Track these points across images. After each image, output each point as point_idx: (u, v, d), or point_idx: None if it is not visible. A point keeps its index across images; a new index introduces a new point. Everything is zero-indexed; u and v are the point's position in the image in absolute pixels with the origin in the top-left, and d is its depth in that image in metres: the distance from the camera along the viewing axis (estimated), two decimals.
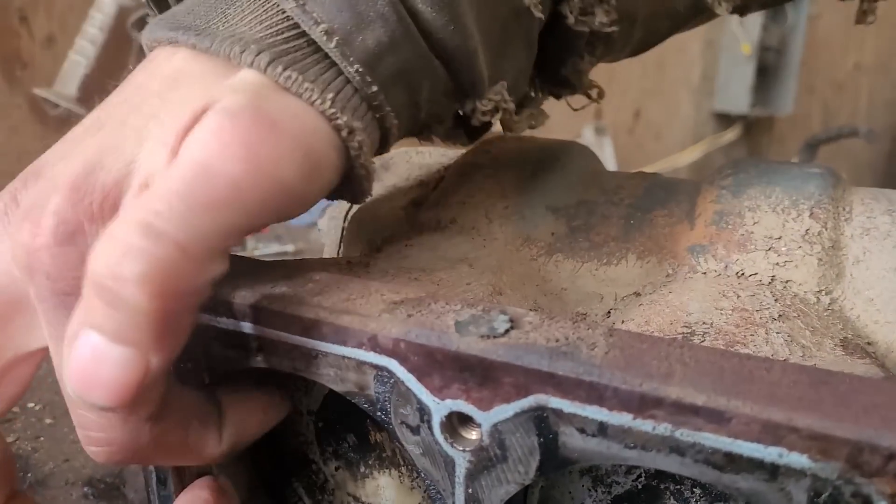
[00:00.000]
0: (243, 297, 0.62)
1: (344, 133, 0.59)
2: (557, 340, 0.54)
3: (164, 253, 0.41)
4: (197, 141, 0.49)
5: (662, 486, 0.62)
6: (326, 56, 0.58)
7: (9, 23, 2.94)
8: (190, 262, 0.42)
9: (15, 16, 2.97)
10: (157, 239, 0.41)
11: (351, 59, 0.58)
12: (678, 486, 0.62)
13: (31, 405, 1.25)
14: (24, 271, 0.46)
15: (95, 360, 0.41)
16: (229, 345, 0.63)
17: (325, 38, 0.58)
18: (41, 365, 0.62)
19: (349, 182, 0.62)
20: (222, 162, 0.48)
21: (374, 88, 0.60)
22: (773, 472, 0.46)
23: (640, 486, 0.63)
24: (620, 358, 0.52)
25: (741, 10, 0.82)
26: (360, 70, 0.59)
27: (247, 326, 0.62)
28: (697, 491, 0.61)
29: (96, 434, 0.48)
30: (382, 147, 0.67)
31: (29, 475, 1.07)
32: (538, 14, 0.67)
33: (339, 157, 0.59)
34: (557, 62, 0.80)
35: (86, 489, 1.03)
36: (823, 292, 0.72)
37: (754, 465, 0.47)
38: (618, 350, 0.53)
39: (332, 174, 0.59)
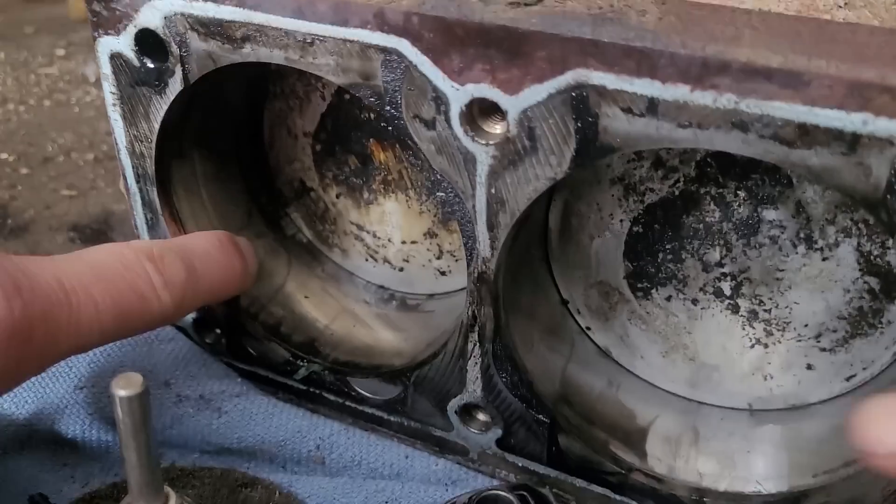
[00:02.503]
0: None
1: None
2: (601, 8, 0.46)
3: None
4: None
5: (702, 191, 0.57)
6: None
7: None
8: None
9: None
10: None
11: None
12: (720, 191, 0.56)
13: (4, 156, 1.17)
14: None
15: None
16: (210, 35, 0.54)
17: None
18: None
19: None
20: None
21: None
22: (853, 143, 0.40)
23: (676, 193, 0.58)
24: (677, 23, 0.44)
25: None
26: None
27: (229, 11, 0.53)
28: (742, 194, 0.56)
29: None
30: None
31: (9, 221, 1.01)
32: None
33: None
34: None
35: (71, 234, 0.98)
36: None
37: (832, 137, 0.40)
38: (673, 16, 0.45)
39: None
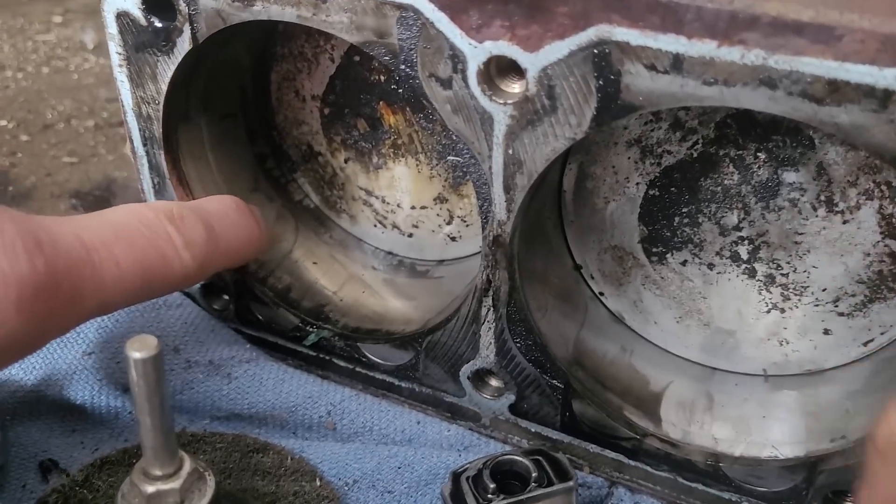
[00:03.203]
0: None
1: None
2: None
3: None
4: None
5: (721, 153, 0.56)
6: None
7: None
8: None
9: None
10: None
11: None
12: (740, 153, 0.55)
13: (3, 123, 1.16)
14: None
15: None
16: None
17: None
18: None
19: None
20: None
21: None
22: (884, 99, 0.39)
23: (694, 155, 0.57)
24: None
25: None
26: None
27: None
28: (762, 156, 0.55)
29: None
30: None
31: (10, 188, 1.00)
32: None
33: None
34: None
35: (73, 201, 0.97)
36: None
37: (862, 94, 0.39)
38: None
39: None
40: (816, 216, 0.55)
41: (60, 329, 0.48)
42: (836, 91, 0.40)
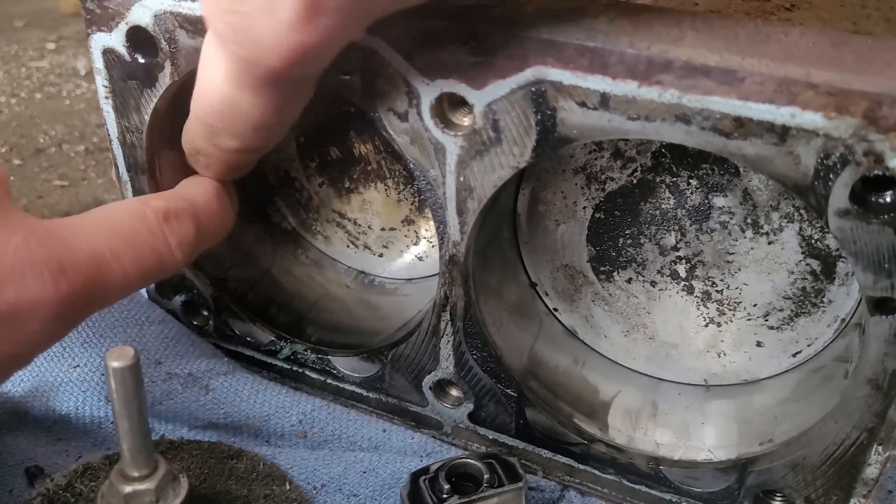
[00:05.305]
0: None
1: None
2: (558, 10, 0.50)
3: None
4: None
5: (658, 180, 0.61)
6: None
7: None
8: None
9: None
10: None
11: None
12: (674, 180, 0.60)
13: None
14: None
15: None
16: (198, 32, 0.58)
17: None
18: None
19: None
20: None
21: None
22: (783, 134, 0.44)
23: (634, 182, 0.62)
24: (627, 24, 0.48)
25: None
26: None
27: None
28: (694, 183, 0.60)
29: None
30: None
31: None
32: None
33: None
34: None
35: None
36: None
37: (764, 129, 0.44)
38: (624, 19, 0.49)
39: None
40: (744, 237, 0.60)
41: (66, 334, 0.52)
42: (742, 126, 0.45)
